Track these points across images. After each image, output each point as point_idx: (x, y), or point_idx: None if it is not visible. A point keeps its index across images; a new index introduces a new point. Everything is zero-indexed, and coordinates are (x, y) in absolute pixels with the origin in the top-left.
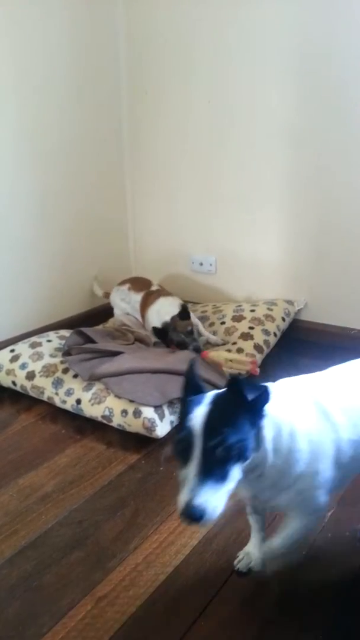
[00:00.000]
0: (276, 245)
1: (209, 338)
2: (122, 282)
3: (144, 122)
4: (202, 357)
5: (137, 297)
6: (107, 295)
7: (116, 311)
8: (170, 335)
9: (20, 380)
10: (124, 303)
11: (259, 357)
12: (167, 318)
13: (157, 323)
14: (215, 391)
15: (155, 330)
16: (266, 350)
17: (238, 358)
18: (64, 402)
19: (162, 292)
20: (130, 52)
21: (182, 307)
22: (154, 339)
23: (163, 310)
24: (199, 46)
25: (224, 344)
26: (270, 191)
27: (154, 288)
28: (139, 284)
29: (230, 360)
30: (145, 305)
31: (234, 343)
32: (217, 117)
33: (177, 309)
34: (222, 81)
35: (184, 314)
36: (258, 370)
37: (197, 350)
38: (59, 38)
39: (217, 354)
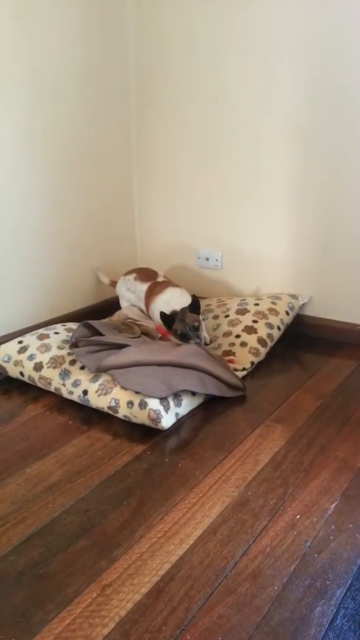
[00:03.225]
0: (282, 241)
1: (205, 338)
2: (129, 272)
3: (152, 117)
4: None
5: (143, 287)
6: (113, 283)
7: (122, 302)
8: (176, 326)
9: (28, 371)
10: (130, 293)
11: (262, 351)
12: (177, 308)
13: (166, 311)
14: None
15: (163, 315)
16: (270, 344)
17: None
18: (71, 393)
19: (170, 283)
20: (139, 48)
21: (193, 299)
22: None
23: (173, 301)
24: (207, 43)
25: (211, 342)
26: (277, 187)
27: (160, 279)
28: (145, 274)
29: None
30: (151, 294)
31: (238, 336)
32: (224, 114)
33: (187, 300)
34: (229, 78)
35: (195, 306)
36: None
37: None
38: (69, 36)
39: None
